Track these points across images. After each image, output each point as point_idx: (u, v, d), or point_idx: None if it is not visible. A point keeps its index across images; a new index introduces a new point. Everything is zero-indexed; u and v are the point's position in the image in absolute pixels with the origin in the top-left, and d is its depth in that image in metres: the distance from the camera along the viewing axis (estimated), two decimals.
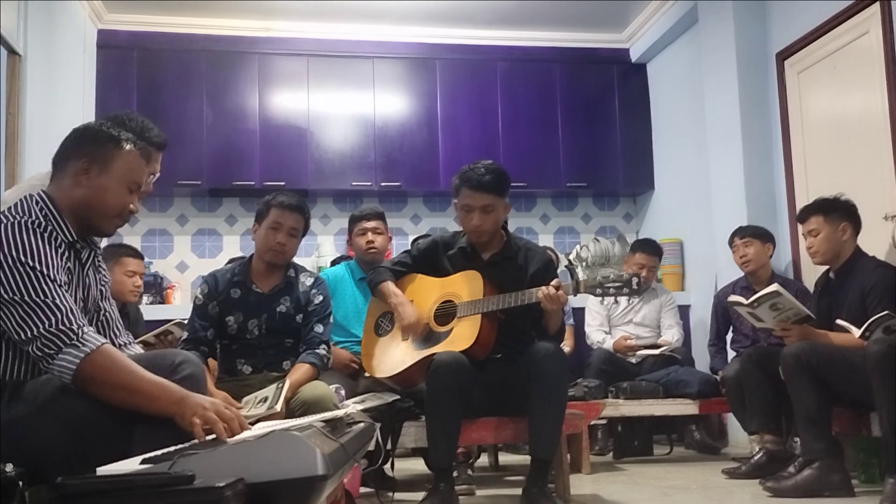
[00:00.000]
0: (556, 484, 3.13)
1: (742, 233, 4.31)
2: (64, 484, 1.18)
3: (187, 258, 5.70)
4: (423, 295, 3.14)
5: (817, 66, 4.37)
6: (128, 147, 1.91)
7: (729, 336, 4.48)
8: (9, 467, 1.32)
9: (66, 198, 1.86)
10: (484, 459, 4.36)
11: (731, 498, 3.18)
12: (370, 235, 3.80)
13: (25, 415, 1.67)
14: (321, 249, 5.64)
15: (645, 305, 4.78)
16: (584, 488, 3.44)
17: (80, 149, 1.89)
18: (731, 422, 4.85)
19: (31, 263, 1.70)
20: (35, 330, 1.66)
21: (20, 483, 1.31)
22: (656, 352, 4.59)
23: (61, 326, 1.67)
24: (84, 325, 1.72)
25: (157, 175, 2.60)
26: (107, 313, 2.03)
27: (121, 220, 1.94)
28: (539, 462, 2.86)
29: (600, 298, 2.84)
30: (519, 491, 2.90)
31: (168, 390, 1.65)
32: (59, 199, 1.86)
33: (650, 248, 4.81)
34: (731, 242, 4.35)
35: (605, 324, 4.79)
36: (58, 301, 1.70)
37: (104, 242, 2.04)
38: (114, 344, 2.02)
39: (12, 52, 4.06)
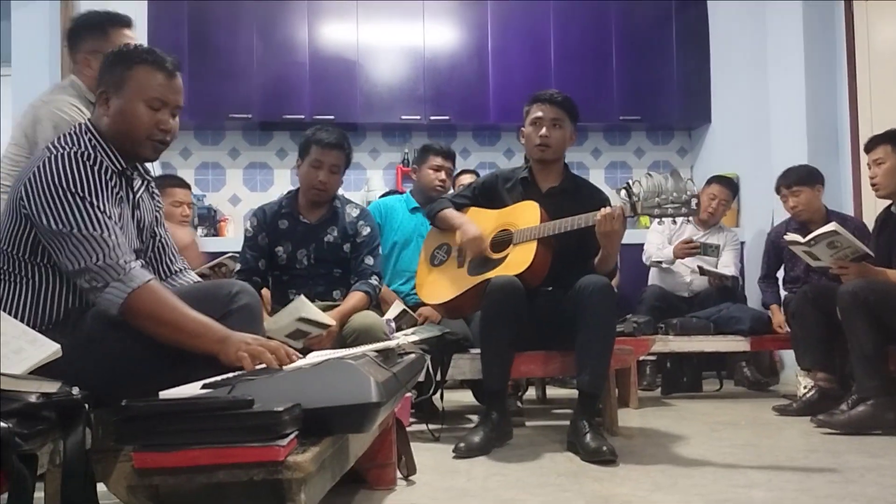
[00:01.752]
0: (604, 417, 3.15)
1: (787, 181, 4.11)
2: (128, 406, 1.23)
3: (239, 191, 5.77)
4: (480, 225, 3.12)
5: None
6: (137, 64, 1.86)
7: (780, 274, 4.39)
8: (75, 390, 1.37)
9: (102, 127, 1.88)
10: (531, 392, 4.40)
11: (780, 434, 3.17)
12: (443, 174, 3.88)
13: (87, 342, 1.71)
14: (370, 184, 5.64)
15: (710, 237, 4.68)
16: (632, 422, 3.46)
17: (100, 77, 1.91)
18: (783, 359, 4.81)
19: (80, 193, 1.73)
20: (83, 263, 1.70)
21: (86, 406, 1.36)
22: (717, 271, 4.49)
23: (108, 261, 1.70)
24: (131, 261, 1.74)
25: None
26: (162, 240, 2.08)
27: (155, 142, 1.88)
28: (586, 396, 2.87)
29: (658, 221, 2.79)
30: (566, 423, 2.93)
31: (212, 329, 1.68)
32: (100, 128, 1.88)
33: (726, 182, 4.74)
34: (778, 191, 4.18)
35: (666, 246, 4.71)
36: (105, 235, 1.72)
37: (157, 172, 2.01)
38: (170, 271, 2.07)
39: None
